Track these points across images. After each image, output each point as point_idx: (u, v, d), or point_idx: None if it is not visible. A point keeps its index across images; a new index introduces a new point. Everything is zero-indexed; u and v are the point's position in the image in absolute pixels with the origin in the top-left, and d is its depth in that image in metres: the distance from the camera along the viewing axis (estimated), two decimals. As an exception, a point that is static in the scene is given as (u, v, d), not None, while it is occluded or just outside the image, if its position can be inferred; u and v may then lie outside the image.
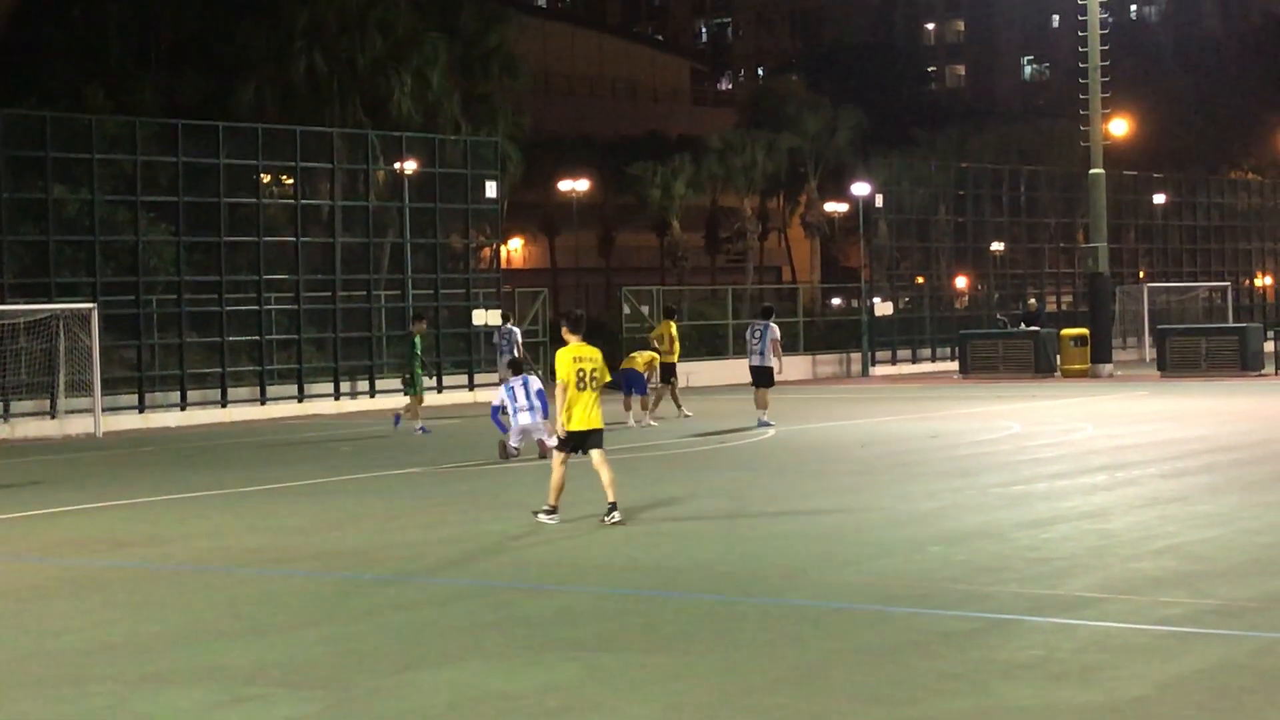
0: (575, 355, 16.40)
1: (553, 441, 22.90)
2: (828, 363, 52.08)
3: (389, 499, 19.95)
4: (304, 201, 40.93)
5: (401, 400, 32.33)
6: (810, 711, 8.63)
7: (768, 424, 29.38)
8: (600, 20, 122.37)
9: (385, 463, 24.89)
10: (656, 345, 33.26)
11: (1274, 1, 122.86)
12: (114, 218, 37.62)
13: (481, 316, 42.70)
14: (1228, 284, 63.65)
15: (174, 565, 14.83)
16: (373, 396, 40.78)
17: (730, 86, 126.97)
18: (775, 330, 30.80)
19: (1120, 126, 58.47)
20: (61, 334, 33.94)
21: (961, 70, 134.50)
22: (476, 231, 46.06)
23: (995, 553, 13.91)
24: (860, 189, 54.37)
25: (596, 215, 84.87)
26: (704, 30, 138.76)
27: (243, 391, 38.95)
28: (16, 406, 34.52)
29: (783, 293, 65.46)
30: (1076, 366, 45.33)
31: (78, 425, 33.85)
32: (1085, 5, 45.04)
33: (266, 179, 41.53)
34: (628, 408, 31.14)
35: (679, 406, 32.80)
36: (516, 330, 37.47)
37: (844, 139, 78.08)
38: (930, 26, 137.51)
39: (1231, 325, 51.56)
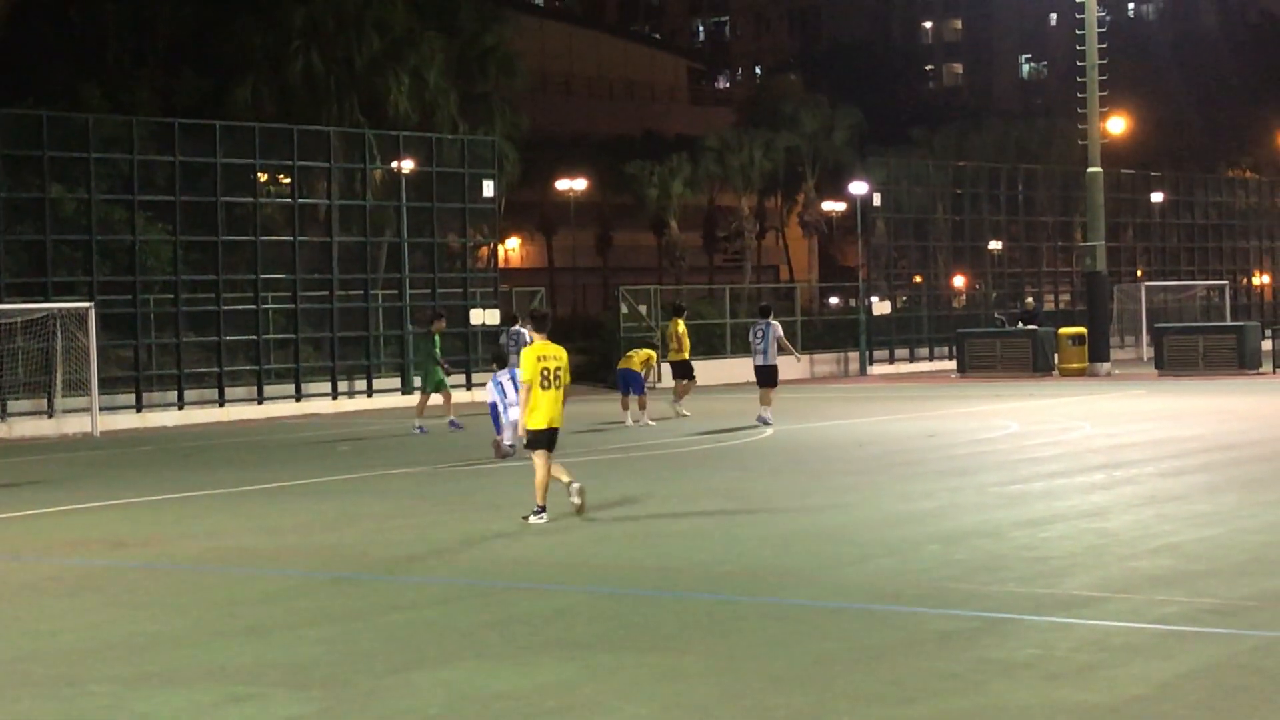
0: (540, 354, 16.53)
1: (508, 440, 23.13)
2: (825, 362, 52.04)
3: (386, 499, 19.94)
4: (301, 201, 40.97)
5: (435, 401, 32.09)
6: (808, 711, 8.66)
7: (767, 421, 29.43)
8: (597, 19, 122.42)
9: (383, 462, 24.95)
10: (671, 344, 33.52)
11: (1271, 0, 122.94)
12: (111, 217, 37.63)
13: (479, 316, 42.76)
14: (1225, 283, 63.76)
15: (172, 565, 14.85)
16: (370, 396, 40.85)
17: (728, 85, 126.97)
18: (778, 328, 30.92)
19: (1118, 125, 58.50)
20: (58, 333, 33.97)
21: (959, 69, 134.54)
22: (474, 231, 46.05)
23: (993, 552, 13.95)
24: (858, 188, 54.48)
25: (594, 214, 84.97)
26: (701, 29, 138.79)
27: (240, 391, 38.97)
28: (14, 406, 34.55)
29: (780, 292, 65.39)
30: (1074, 365, 45.39)
31: (75, 424, 33.89)
32: (1083, 4, 45.06)
33: (263, 178, 41.56)
34: (625, 407, 31.22)
35: (678, 406, 32.85)
36: (525, 331, 37.48)
37: (841, 138, 78.11)
38: (928, 25, 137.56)
39: (1229, 324, 51.60)
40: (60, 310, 33.99)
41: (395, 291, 42.74)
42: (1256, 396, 34.21)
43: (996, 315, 54.74)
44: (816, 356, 51.37)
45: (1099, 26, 45.07)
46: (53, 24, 49.39)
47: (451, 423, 30.53)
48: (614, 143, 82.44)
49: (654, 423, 30.59)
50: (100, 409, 34.11)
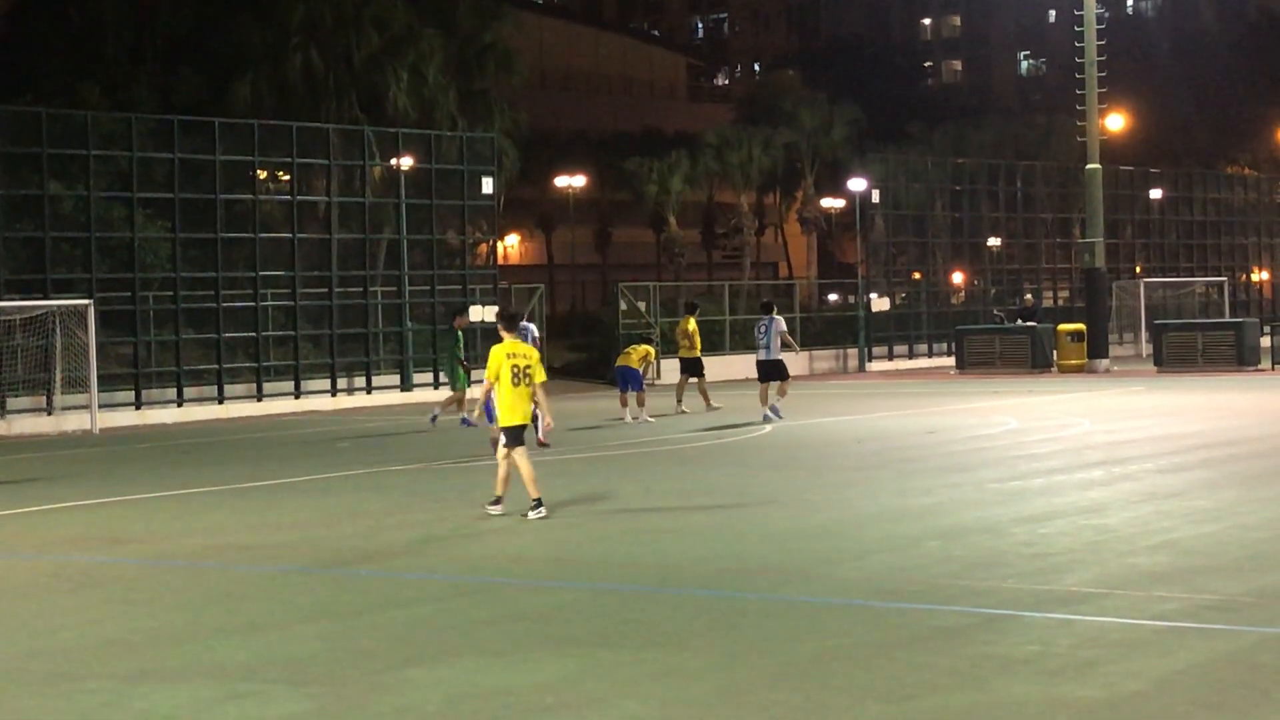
0: (508, 352, 16.63)
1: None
2: (824, 358, 52.04)
3: (385, 495, 19.94)
4: (300, 198, 40.93)
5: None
6: (807, 708, 8.65)
7: (778, 415, 29.44)
8: (596, 16, 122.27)
9: (382, 459, 24.97)
10: (683, 341, 33.65)
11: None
12: (110, 214, 37.65)
13: (478, 313, 42.72)
14: (1224, 279, 63.79)
15: (171, 562, 14.85)
16: (369, 393, 40.89)
17: (727, 82, 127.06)
18: (780, 322, 30.88)
19: (1116, 122, 58.58)
20: (58, 330, 33.99)
21: (958, 65, 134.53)
22: (473, 228, 46.12)
23: (992, 548, 13.93)
24: (857, 185, 54.44)
25: (593, 211, 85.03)
26: (700, 26, 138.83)
27: (239, 388, 38.98)
28: (13, 403, 34.57)
29: (779, 288, 65.31)
30: (1073, 362, 45.40)
31: (74, 422, 33.90)
32: (1082, 1, 45.08)
33: (263, 175, 41.58)
34: (624, 404, 31.24)
35: (679, 401, 32.95)
36: (532, 326, 37.54)
37: (840, 135, 78.15)
38: (926, 22, 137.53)
39: (1228, 320, 51.63)
40: (59, 307, 34.00)
41: (394, 289, 42.75)
42: (1255, 393, 34.19)
43: (995, 312, 54.80)
44: (815, 353, 51.38)
45: (1097, 23, 45.08)
46: (52, 21, 49.40)
47: (464, 420, 30.51)
48: (613, 139, 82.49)
49: (653, 419, 30.60)
50: (99, 406, 34.12)
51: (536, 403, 17.34)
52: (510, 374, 16.47)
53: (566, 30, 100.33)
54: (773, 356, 30.32)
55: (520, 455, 16.63)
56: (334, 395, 40.20)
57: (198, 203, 38.48)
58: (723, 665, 9.71)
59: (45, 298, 34.43)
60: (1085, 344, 45.56)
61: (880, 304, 53.05)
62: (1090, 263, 46.81)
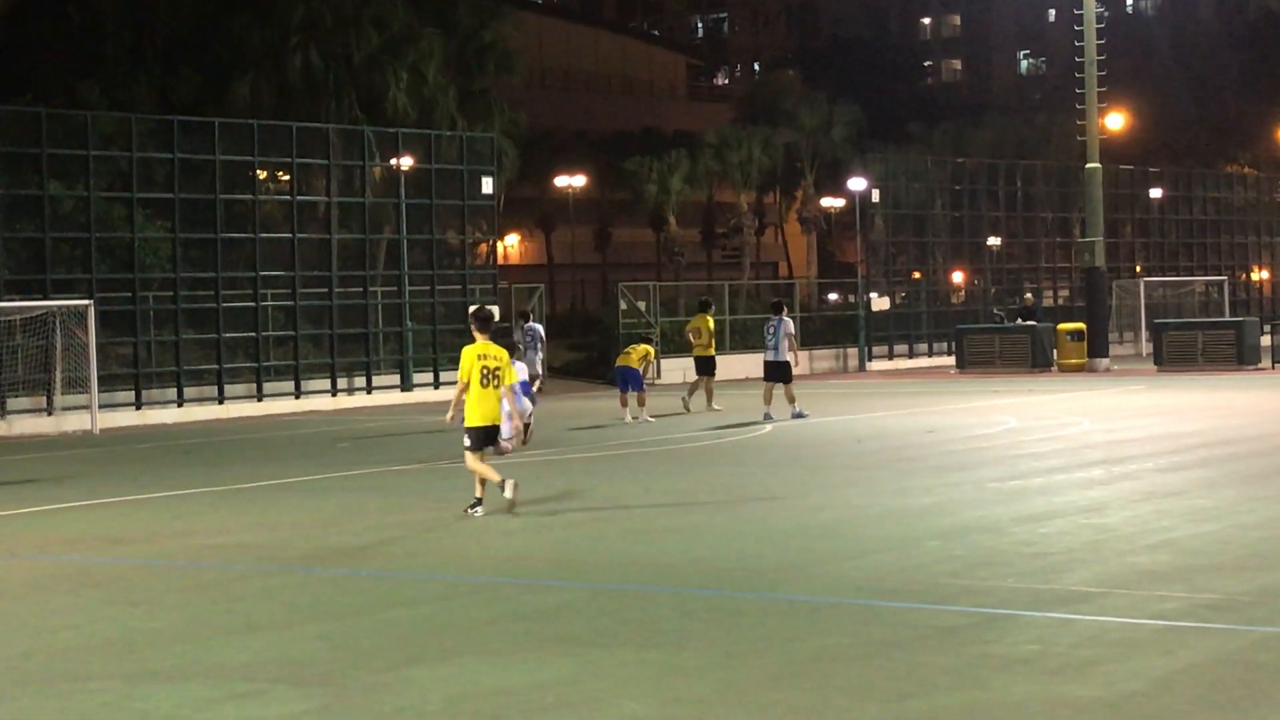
0: (480, 353, 16.87)
1: (506, 435, 23.29)
2: (824, 358, 52.05)
3: (386, 495, 19.94)
4: (300, 198, 40.90)
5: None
6: (806, 706, 8.67)
7: (801, 415, 29.57)
8: (595, 15, 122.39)
9: (383, 459, 24.95)
10: (693, 339, 33.63)
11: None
12: (110, 214, 37.61)
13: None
14: (1224, 278, 63.83)
15: (171, 562, 14.86)
16: (370, 393, 40.93)
17: (726, 81, 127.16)
18: (789, 324, 30.97)
19: (1116, 121, 58.63)
20: (58, 331, 33.99)
21: (958, 65, 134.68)
22: (473, 228, 46.09)
23: (992, 547, 13.94)
24: (856, 184, 54.54)
25: (593, 211, 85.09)
26: (699, 25, 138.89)
27: (239, 388, 38.98)
28: (13, 403, 34.57)
29: (779, 288, 65.25)
30: (1073, 361, 45.42)
31: (74, 422, 33.88)
32: (1082, 0, 45.14)
33: (262, 175, 41.59)
34: (624, 404, 31.23)
35: (686, 399, 32.91)
36: (539, 326, 37.63)
37: (840, 134, 78.26)
38: (926, 21, 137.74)
39: (1228, 319, 51.65)
40: (59, 308, 33.99)
41: (394, 288, 42.75)
42: (1255, 392, 34.21)
43: (995, 311, 54.85)
44: (815, 352, 51.38)
45: (1097, 23, 45.12)
46: (51, 21, 49.41)
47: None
48: (613, 139, 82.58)
49: (654, 419, 30.59)
50: (100, 406, 34.10)
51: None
52: (480, 375, 16.68)
53: (566, 29, 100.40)
54: (780, 358, 30.29)
55: (470, 461, 17.11)
56: (334, 395, 40.21)
57: (197, 203, 38.47)
58: (722, 664, 9.73)
59: (45, 298, 34.43)
60: (1085, 343, 45.58)
61: (880, 303, 53.06)
62: (1090, 262, 46.85)
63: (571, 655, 10.17)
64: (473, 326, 17.57)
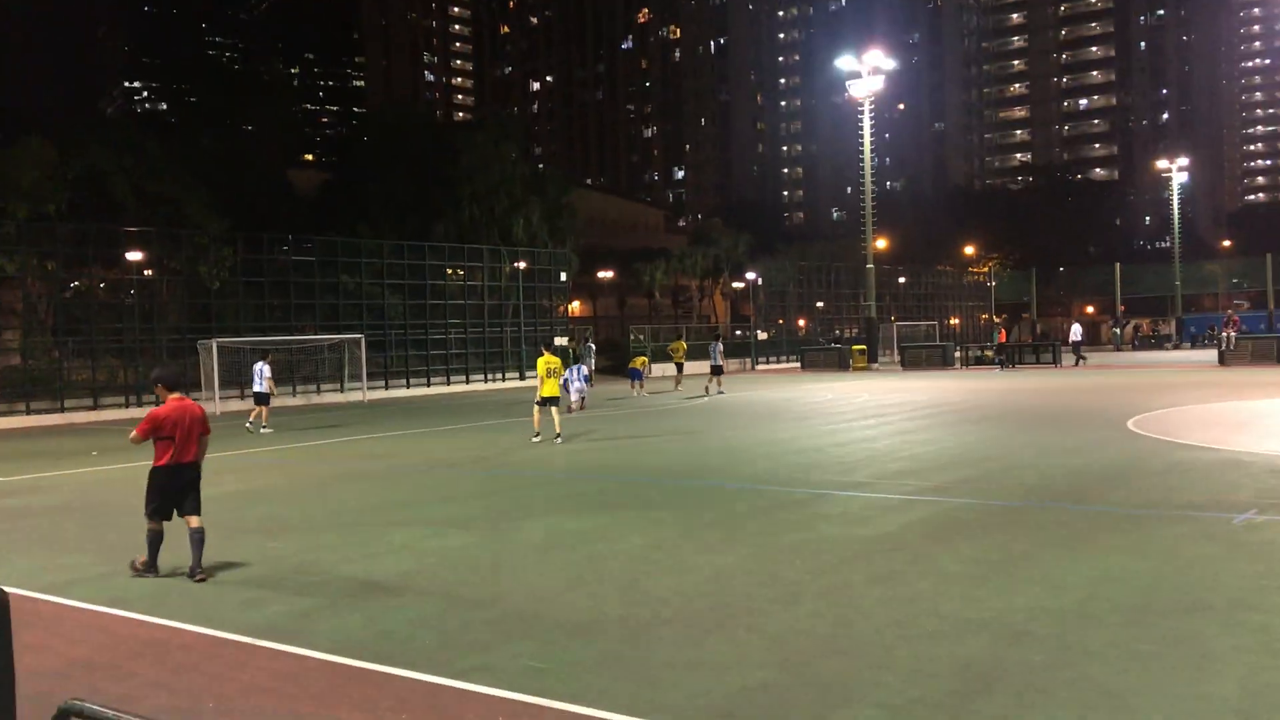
0: (547, 362, 17.63)
1: (574, 399, 23.83)
2: (734, 364, 52.01)
3: (509, 434, 19.79)
4: (468, 283, 41.03)
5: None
6: (727, 539, 8.75)
7: (721, 392, 29.54)
8: (618, 189, 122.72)
9: (509, 414, 25.04)
10: (674, 355, 33.73)
11: (960, 175, 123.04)
12: (371, 291, 37.87)
13: (561, 340, 42.98)
14: (935, 322, 63.79)
15: (402, 465, 14.93)
16: (503, 381, 41.01)
17: (684, 223, 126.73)
18: (720, 345, 31.71)
19: (881, 243, 58.60)
20: (346, 349, 34.21)
21: (802, 214, 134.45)
22: (555, 298, 46.26)
23: (818, 459, 14.00)
24: (750, 276, 54.73)
25: (617, 289, 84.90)
26: (671, 194, 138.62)
27: (438, 378, 39.06)
28: (325, 385, 34.77)
29: (711, 331, 65.50)
30: (860, 365, 45.52)
31: (354, 396, 34.07)
32: (863, 184, 45.38)
33: (450, 272, 41.81)
34: (632, 388, 31.37)
35: (678, 387, 33.11)
36: (593, 345, 37.96)
37: (742, 250, 77.77)
38: (785, 193, 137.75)
39: (937, 343, 51.72)
40: (346, 338, 34.24)
41: (515, 329, 42.97)
42: (951, 381, 34.20)
43: (820, 339, 54.87)
44: (730, 360, 51.39)
45: (873, 195, 45.39)
46: (342, 194, 49.57)
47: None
48: (627, 253, 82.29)
49: (649, 395, 30.71)
50: (367, 388, 34.34)
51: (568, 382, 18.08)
52: (546, 371, 17.37)
53: (604, 198, 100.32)
54: (717, 362, 30.79)
55: (553, 411, 17.41)
56: (486, 382, 40.18)
57: (417, 285, 38.60)
58: (680, 519, 9.80)
59: (339, 333, 34.65)
60: (866, 355, 45.73)
61: (762, 336, 53.18)
62: (868, 314, 47.02)
63: (605, 513, 10.25)
64: (544, 347, 18.33)
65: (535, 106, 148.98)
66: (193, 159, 39.26)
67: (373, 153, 50.32)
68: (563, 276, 45.03)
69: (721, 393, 29.72)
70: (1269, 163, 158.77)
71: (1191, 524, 8.78)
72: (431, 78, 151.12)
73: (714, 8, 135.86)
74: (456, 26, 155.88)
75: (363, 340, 33.87)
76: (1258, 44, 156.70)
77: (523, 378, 41.52)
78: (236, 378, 31.24)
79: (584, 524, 9.65)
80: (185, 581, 7.93)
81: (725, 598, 6.88)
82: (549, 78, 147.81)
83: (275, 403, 25.54)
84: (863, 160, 45.49)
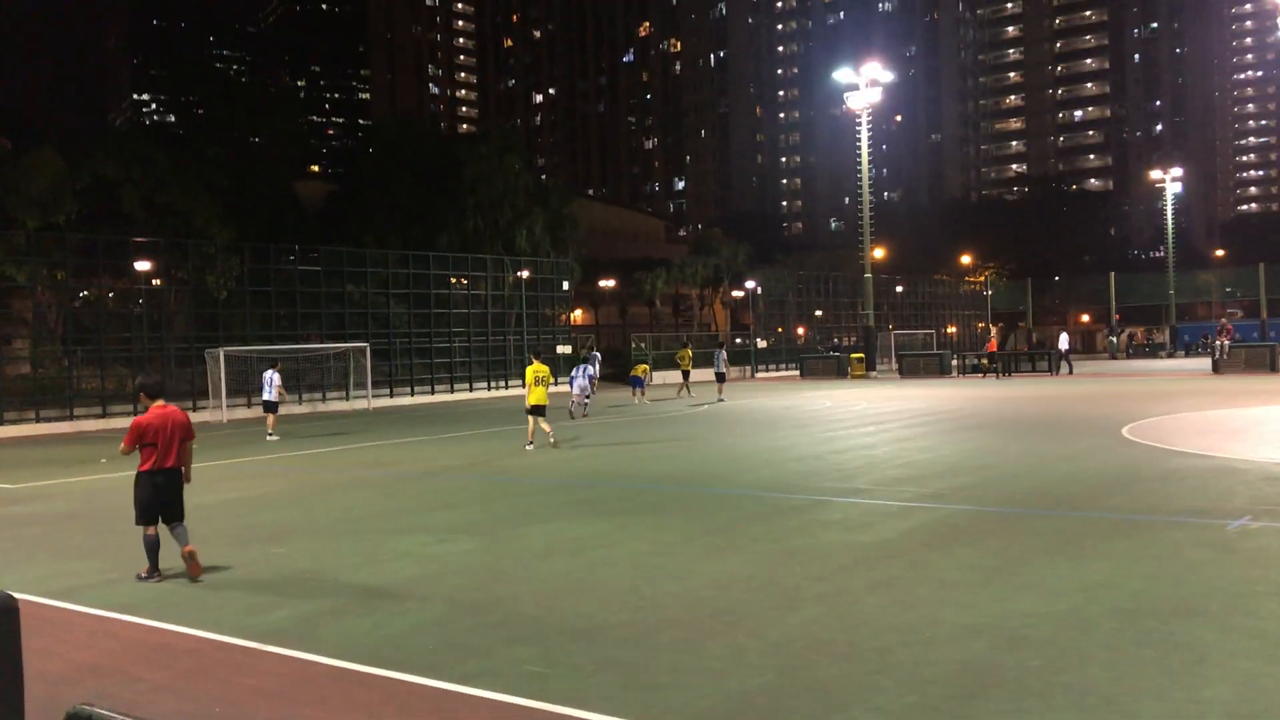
0: (536, 370, 17.74)
1: (576, 395, 23.87)
2: (734, 371, 52.04)
3: (508, 440, 19.83)
4: (472, 292, 41.12)
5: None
6: (729, 545, 8.74)
7: (723, 400, 29.57)
8: (620, 199, 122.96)
9: (508, 421, 25.09)
10: (680, 362, 33.80)
11: (956, 186, 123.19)
12: (376, 301, 37.88)
13: (563, 349, 43.05)
14: (933, 331, 63.78)
15: (405, 472, 14.93)
16: (506, 389, 41.03)
17: (684, 233, 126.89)
18: (724, 353, 31.70)
19: (879, 253, 58.70)
20: (352, 357, 34.23)
21: (800, 225, 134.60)
22: (558, 306, 46.28)
23: (817, 466, 13.97)
24: (749, 285, 54.82)
25: (618, 298, 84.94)
26: (672, 205, 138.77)
27: (441, 386, 39.01)
28: (330, 394, 34.77)
29: (712, 339, 65.54)
30: (858, 373, 45.50)
31: (359, 404, 34.09)
32: (860, 195, 45.42)
33: (454, 281, 41.84)
34: (633, 395, 31.36)
35: (688, 393, 33.12)
36: (598, 355, 37.97)
37: (742, 260, 78.00)
38: (784, 203, 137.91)
39: (935, 352, 51.67)
40: (352, 347, 34.25)
41: (518, 337, 42.99)
42: (948, 389, 34.21)
43: (819, 347, 54.89)
44: (730, 368, 51.41)
45: (871, 205, 45.44)
46: (348, 205, 49.61)
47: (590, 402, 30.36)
48: (628, 263, 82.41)
49: (650, 402, 30.72)
50: (372, 395, 34.33)
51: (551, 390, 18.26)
52: (534, 379, 17.45)
53: (605, 208, 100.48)
54: (720, 370, 30.83)
55: (541, 420, 17.46)
56: (489, 390, 40.20)
57: (421, 295, 38.64)
58: (682, 525, 9.79)
59: (345, 342, 34.64)
60: (864, 363, 45.71)
61: (762, 344, 53.23)
62: (866, 323, 47.04)
63: (606, 519, 10.24)
64: (532, 355, 18.69)
65: (538, 119, 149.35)
66: (200, 170, 39.26)
67: (378, 164, 50.36)
68: (565, 286, 45.09)
69: (722, 400, 29.69)
70: (1261, 173, 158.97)
71: (1186, 530, 8.76)
72: (436, 90, 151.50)
73: (714, 21, 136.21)
74: (460, 40, 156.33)
75: (368, 349, 33.88)
76: (1250, 56, 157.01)
77: (525, 386, 41.50)
78: (244, 386, 31.23)
79: (585, 530, 9.64)
80: (191, 587, 7.92)
81: (726, 603, 6.87)
82: (551, 90, 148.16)
83: (281, 411, 25.52)
84: (860, 171, 45.57)
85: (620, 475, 13.90)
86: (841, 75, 44.03)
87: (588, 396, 26.05)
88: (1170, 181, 62.43)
